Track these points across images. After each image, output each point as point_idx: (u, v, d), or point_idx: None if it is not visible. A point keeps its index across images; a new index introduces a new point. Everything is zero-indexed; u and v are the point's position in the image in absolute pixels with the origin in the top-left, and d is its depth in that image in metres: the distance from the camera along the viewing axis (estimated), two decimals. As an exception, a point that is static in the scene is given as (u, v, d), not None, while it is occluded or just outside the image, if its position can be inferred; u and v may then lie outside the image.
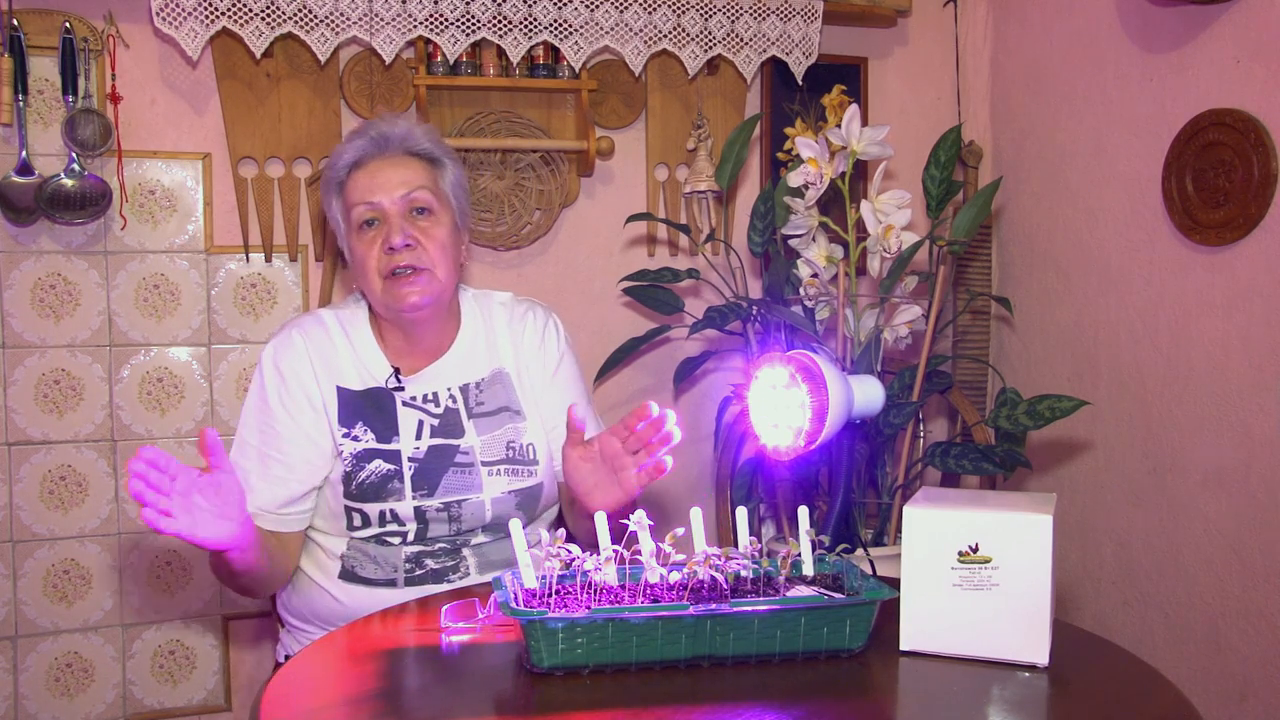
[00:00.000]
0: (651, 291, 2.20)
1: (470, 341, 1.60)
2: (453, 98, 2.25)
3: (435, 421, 1.54)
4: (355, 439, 1.50)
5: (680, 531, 1.17)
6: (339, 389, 1.52)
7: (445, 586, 1.50)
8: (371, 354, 1.56)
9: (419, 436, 1.52)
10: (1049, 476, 2.37)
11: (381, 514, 1.49)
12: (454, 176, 1.57)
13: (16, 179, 2.00)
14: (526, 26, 2.16)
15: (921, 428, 2.20)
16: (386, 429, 1.51)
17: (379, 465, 1.49)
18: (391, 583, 1.50)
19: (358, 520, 1.50)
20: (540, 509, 1.61)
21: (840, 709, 1.01)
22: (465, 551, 1.53)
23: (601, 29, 2.20)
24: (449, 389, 1.56)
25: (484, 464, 1.54)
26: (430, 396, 1.55)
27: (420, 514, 1.49)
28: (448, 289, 1.53)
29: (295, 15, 2.03)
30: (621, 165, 2.39)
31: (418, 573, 1.51)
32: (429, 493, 1.50)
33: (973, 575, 1.10)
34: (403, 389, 1.54)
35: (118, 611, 2.15)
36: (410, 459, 1.51)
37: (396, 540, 1.51)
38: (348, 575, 1.51)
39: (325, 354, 1.54)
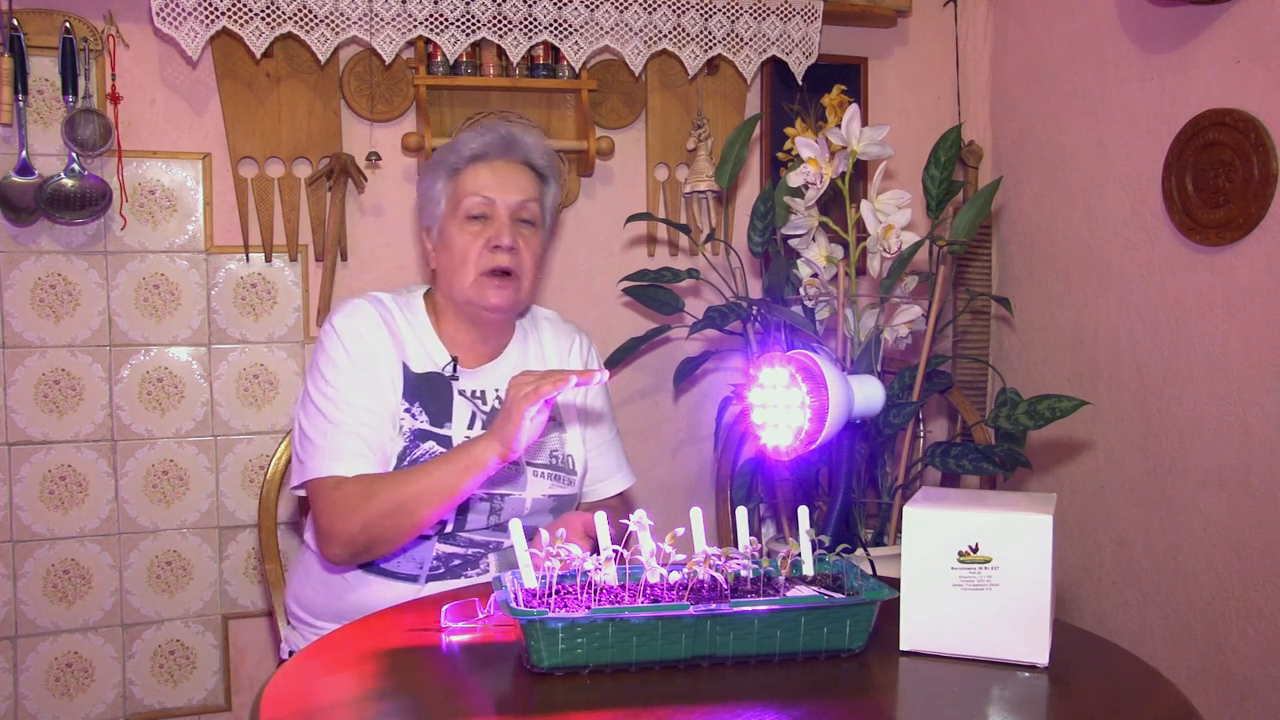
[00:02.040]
0: (651, 291, 2.20)
1: (520, 350, 1.66)
2: (453, 97, 2.25)
3: (485, 416, 1.57)
4: (414, 416, 1.53)
5: (680, 531, 1.17)
6: (404, 365, 1.55)
7: (464, 582, 1.52)
8: (431, 340, 1.60)
9: (470, 426, 1.56)
10: (1049, 476, 2.37)
11: None
12: (554, 198, 1.65)
13: (16, 179, 2.00)
14: (526, 26, 2.16)
15: (921, 428, 2.20)
16: (440, 414, 1.54)
17: (433, 446, 1.52)
18: (414, 578, 1.51)
19: None
20: None
21: (840, 709, 1.01)
22: (490, 555, 1.55)
23: (601, 29, 2.20)
24: (497, 390, 1.60)
25: (529, 464, 1.57)
26: (479, 394, 1.59)
27: (463, 502, 1.50)
28: (528, 299, 1.63)
29: (295, 15, 2.03)
30: (621, 165, 2.39)
31: (440, 570, 1.52)
32: None
33: (973, 575, 1.10)
34: (458, 379, 1.58)
35: (117, 611, 2.15)
36: None
37: (431, 532, 1.51)
38: (369, 566, 1.52)
39: (392, 329, 1.57)
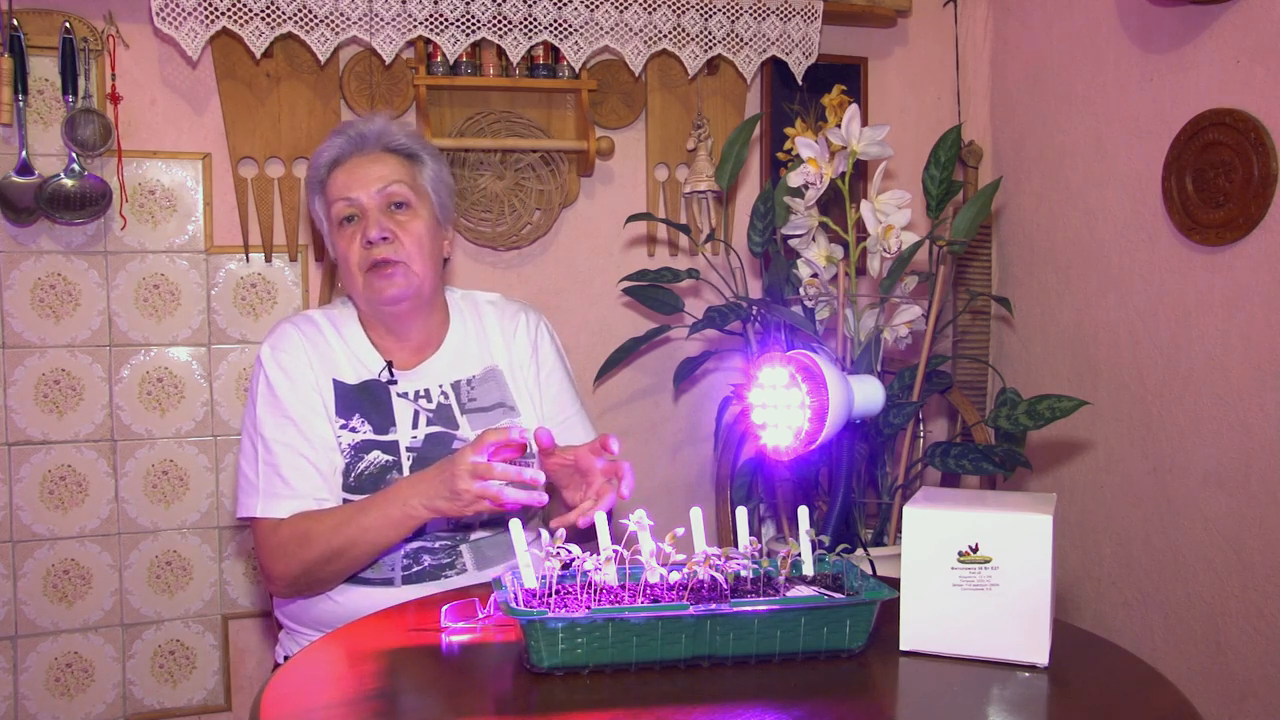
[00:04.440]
0: (651, 291, 2.20)
1: (460, 339, 1.63)
2: (453, 98, 2.25)
3: (431, 414, 1.56)
4: (353, 430, 1.52)
5: (680, 531, 1.17)
6: (335, 382, 1.54)
7: (442, 584, 1.51)
8: (364, 349, 1.58)
9: (415, 426, 1.54)
10: (1049, 476, 2.37)
11: None
12: (433, 171, 1.60)
13: (16, 179, 2.00)
14: (526, 26, 2.16)
15: (921, 428, 2.20)
16: (383, 420, 1.53)
17: (377, 456, 1.51)
18: (388, 582, 1.50)
19: None
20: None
21: (840, 709, 1.01)
22: (463, 548, 1.54)
23: (601, 29, 2.20)
24: (440, 386, 1.58)
25: None
26: (422, 393, 1.57)
27: None
28: (426, 282, 1.55)
29: (295, 15, 2.03)
30: (621, 165, 2.39)
31: (415, 569, 1.51)
32: None
33: (973, 575, 1.10)
34: (395, 382, 1.56)
35: (118, 611, 2.15)
36: (408, 449, 1.52)
37: None
38: None
39: (319, 348, 1.56)
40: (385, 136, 1.56)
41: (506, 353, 1.64)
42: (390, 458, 1.51)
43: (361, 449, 1.51)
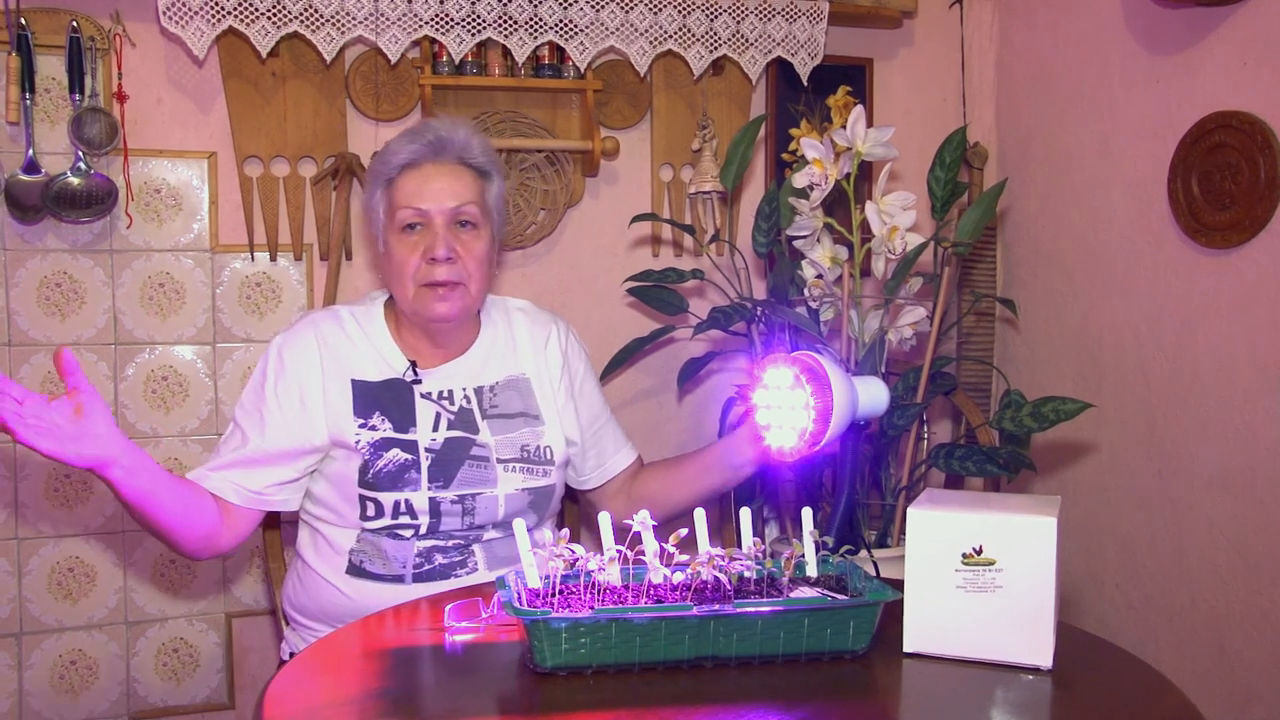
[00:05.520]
0: (656, 292, 2.20)
1: (489, 345, 1.64)
2: (458, 97, 2.26)
3: (452, 416, 1.56)
4: (372, 428, 1.52)
5: (684, 532, 1.17)
6: (354, 382, 1.54)
7: (453, 582, 1.51)
8: (388, 348, 1.58)
9: (436, 428, 1.54)
10: (1053, 479, 2.36)
11: (396, 504, 1.50)
12: (499, 190, 1.61)
13: (23, 177, 2.00)
14: (532, 26, 2.16)
15: (925, 429, 2.20)
16: (404, 419, 1.53)
17: (396, 454, 1.51)
18: (399, 579, 1.51)
19: (371, 510, 1.51)
20: (550, 510, 1.64)
21: (843, 710, 1.01)
22: (475, 547, 1.54)
23: (607, 29, 2.20)
24: (464, 389, 1.59)
25: (500, 461, 1.56)
26: (445, 394, 1.58)
27: (434, 506, 1.51)
28: (478, 302, 1.58)
29: (301, 15, 2.04)
30: (626, 165, 2.39)
31: (426, 568, 1.51)
32: (445, 484, 1.52)
33: (976, 577, 1.10)
34: (420, 382, 1.57)
35: (122, 609, 2.15)
36: (427, 449, 1.53)
37: (409, 533, 1.52)
38: (355, 570, 1.52)
39: (338, 349, 1.55)
40: (465, 150, 1.55)
41: (535, 362, 1.65)
42: (409, 456, 1.51)
43: (381, 446, 1.51)
